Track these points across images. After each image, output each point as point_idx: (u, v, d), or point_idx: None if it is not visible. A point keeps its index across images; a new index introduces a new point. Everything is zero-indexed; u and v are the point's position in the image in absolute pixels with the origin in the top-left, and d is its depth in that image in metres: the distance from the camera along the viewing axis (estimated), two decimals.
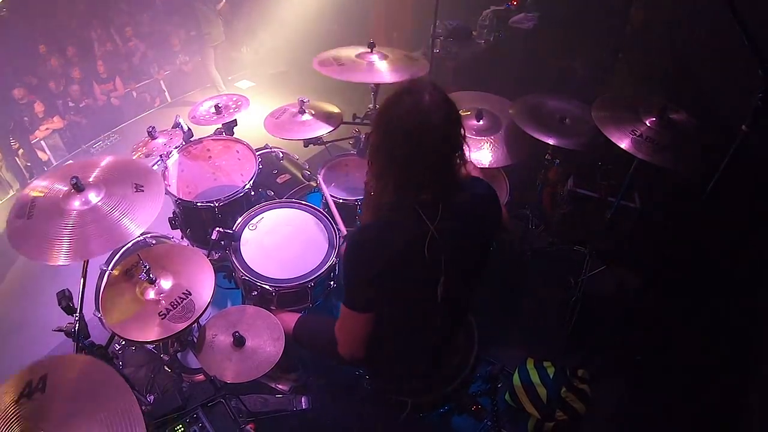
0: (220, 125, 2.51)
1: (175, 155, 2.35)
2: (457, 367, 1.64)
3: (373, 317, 1.33)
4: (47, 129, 4.89)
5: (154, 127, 2.37)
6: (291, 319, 1.87)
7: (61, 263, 1.41)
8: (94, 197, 1.55)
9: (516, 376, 2.22)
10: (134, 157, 2.20)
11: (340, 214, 2.25)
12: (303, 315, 1.89)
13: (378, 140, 1.22)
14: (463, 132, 1.22)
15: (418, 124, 1.15)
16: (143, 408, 1.23)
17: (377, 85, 2.46)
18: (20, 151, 4.74)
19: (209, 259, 1.84)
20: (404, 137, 1.16)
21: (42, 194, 1.55)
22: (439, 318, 1.42)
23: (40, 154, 4.92)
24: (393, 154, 1.19)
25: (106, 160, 1.72)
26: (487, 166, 2.29)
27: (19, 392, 1.15)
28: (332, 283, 2.07)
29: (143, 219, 1.54)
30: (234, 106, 2.53)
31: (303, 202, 2.23)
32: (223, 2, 5.18)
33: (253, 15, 5.81)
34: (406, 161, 1.18)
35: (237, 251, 2.02)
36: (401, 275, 1.26)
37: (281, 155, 2.74)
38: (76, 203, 1.53)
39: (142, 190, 1.60)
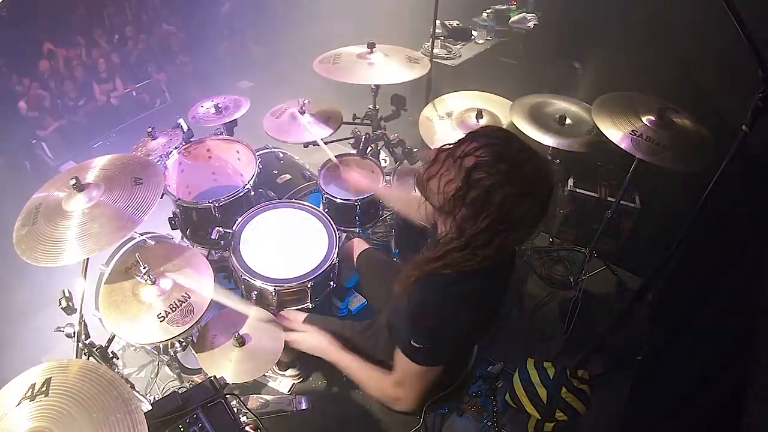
0: (220, 125, 2.51)
1: (174, 155, 2.35)
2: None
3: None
4: (49, 129, 4.89)
5: (154, 128, 2.37)
6: (296, 319, 1.86)
7: (70, 263, 1.41)
8: (95, 195, 1.56)
9: (516, 377, 2.22)
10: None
11: (340, 214, 2.25)
12: (309, 315, 1.89)
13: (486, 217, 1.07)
14: None
15: (547, 186, 1.08)
16: (144, 408, 1.23)
17: (377, 85, 2.47)
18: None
19: (209, 260, 1.84)
20: (539, 201, 1.08)
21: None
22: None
23: (39, 153, 4.91)
24: (516, 216, 1.07)
25: (103, 159, 1.72)
26: None
27: (22, 395, 1.16)
28: (332, 282, 2.07)
29: (145, 208, 1.54)
30: (234, 106, 2.53)
31: (303, 203, 2.23)
32: (227, 5, 5.18)
33: (254, 15, 5.81)
34: (534, 221, 1.09)
35: (237, 251, 2.02)
36: (483, 326, 1.25)
37: (281, 155, 2.74)
38: (78, 203, 1.53)
39: (141, 183, 1.60)
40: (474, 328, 1.19)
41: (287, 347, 1.75)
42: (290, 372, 2.23)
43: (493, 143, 1.07)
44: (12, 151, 4.38)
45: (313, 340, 1.63)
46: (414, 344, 1.16)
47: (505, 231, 1.07)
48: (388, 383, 1.31)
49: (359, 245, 2.10)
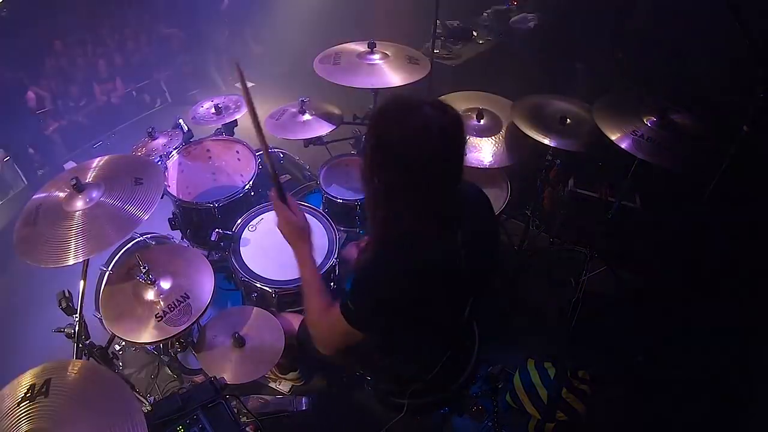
0: (220, 126, 2.50)
1: (174, 156, 2.35)
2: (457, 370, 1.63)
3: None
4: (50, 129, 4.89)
5: (154, 128, 2.37)
6: (295, 321, 1.86)
7: (71, 263, 1.42)
8: (95, 195, 1.56)
9: (517, 377, 2.22)
10: None
11: (340, 214, 2.25)
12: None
13: (385, 172, 1.11)
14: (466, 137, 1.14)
15: (432, 148, 1.05)
16: (144, 409, 1.22)
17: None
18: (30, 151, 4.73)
19: (209, 260, 1.84)
20: (421, 164, 1.06)
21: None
22: (458, 332, 1.43)
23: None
24: (408, 183, 1.09)
25: (102, 159, 1.72)
26: (487, 166, 2.29)
27: (21, 395, 1.16)
28: (332, 284, 2.06)
29: (145, 208, 1.55)
30: (234, 106, 2.53)
31: (303, 203, 2.23)
32: (226, 2, 5.17)
33: (255, 15, 5.81)
34: (428, 189, 1.10)
35: (236, 252, 2.01)
36: (427, 300, 1.21)
37: (281, 156, 2.74)
38: (79, 203, 1.53)
39: (141, 183, 1.60)
40: (402, 300, 1.18)
41: (287, 350, 1.75)
42: (291, 375, 2.22)
43: (371, 122, 1.17)
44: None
45: (298, 239, 1.43)
46: (348, 304, 1.21)
47: (405, 199, 1.12)
48: (316, 320, 1.35)
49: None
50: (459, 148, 1.11)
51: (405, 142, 1.06)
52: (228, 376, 1.67)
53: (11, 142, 4.24)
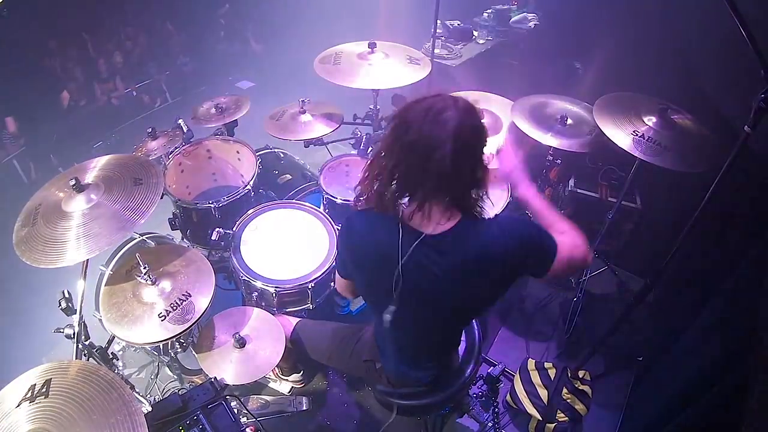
0: (220, 126, 2.50)
1: (174, 156, 2.34)
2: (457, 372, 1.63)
3: (352, 284, 1.44)
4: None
5: (154, 128, 2.37)
6: (289, 324, 1.86)
7: (70, 263, 1.41)
8: (95, 195, 1.55)
9: (517, 377, 2.22)
10: None
11: (340, 215, 2.25)
12: (301, 320, 1.88)
13: (389, 137, 1.15)
14: (481, 159, 1.13)
15: (428, 137, 1.08)
16: (144, 410, 1.22)
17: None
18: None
19: (209, 260, 1.84)
20: (412, 147, 1.10)
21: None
22: (396, 336, 1.39)
23: None
24: (399, 157, 1.13)
25: (103, 159, 1.71)
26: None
27: (22, 396, 1.16)
28: (332, 284, 2.06)
29: (145, 208, 1.54)
30: (234, 106, 2.53)
31: (303, 203, 2.23)
32: (227, 6, 5.17)
33: (255, 16, 5.81)
34: (408, 170, 1.13)
35: (237, 252, 2.01)
36: (365, 273, 1.32)
37: (282, 156, 2.74)
38: (78, 203, 1.53)
39: (141, 183, 1.60)
40: (350, 259, 1.32)
41: (287, 352, 1.75)
42: (294, 377, 2.22)
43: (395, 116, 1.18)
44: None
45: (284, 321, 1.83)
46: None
47: (392, 168, 1.14)
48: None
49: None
50: (455, 151, 1.07)
51: (418, 125, 1.10)
52: (228, 377, 1.67)
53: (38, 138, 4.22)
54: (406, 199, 1.18)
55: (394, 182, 1.16)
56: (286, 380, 2.23)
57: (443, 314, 1.30)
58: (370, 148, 2.54)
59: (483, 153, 1.14)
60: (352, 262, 1.32)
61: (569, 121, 2.33)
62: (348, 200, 2.23)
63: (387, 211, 1.19)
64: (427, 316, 1.30)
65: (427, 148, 1.08)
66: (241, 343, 1.76)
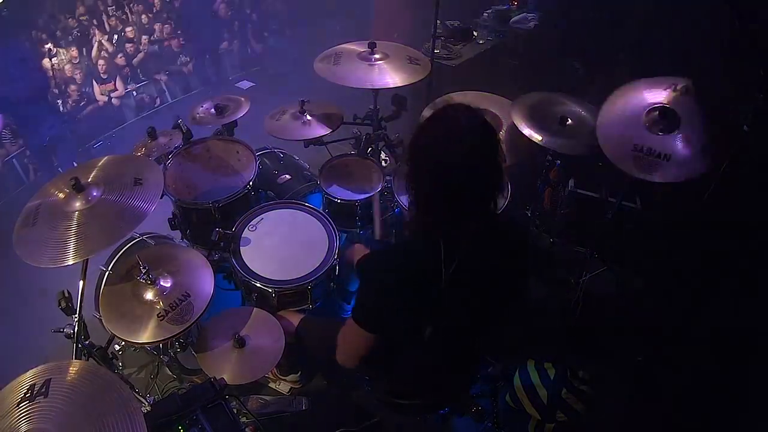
0: (220, 126, 2.50)
1: (174, 155, 2.34)
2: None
3: (377, 338, 1.28)
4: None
5: (154, 128, 2.37)
6: (295, 318, 1.86)
7: (69, 264, 1.41)
8: (95, 195, 1.55)
9: (516, 378, 2.21)
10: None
11: (340, 215, 2.25)
12: (307, 315, 1.89)
13: (410, 171, 1.15)
14: (501, 163, 1.12)
15: (445, 156, 1.07)
16: (143, 409, 1.22)
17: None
18: (28, 153, 4.73)
19: (209, 260, 1.84)
20: (431, 170, 1.10)
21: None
22: (431, 357, 1.37)
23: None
24: (421, 186, 1.14)
25: (103, 159, 1.72)
26: None
27: (21, 395, 1.15)
28: (332, 284, 2.06)
29: (145, 208, 1.54)
30: (234, 106, 2.53)
31: (303, 203, 2.23)
32: (223, 5, 5.17)
33: (254, 15, 5.81)
34: (433, 195, 1.13)
35: (236, 252, 2.01)
36: (400, 303, 1.22)
37: (282, 156, 2.74)
38: (78, 203, 1.53)
39: (141, 183, 1.60)
40: (385, 298, 1.21)
41: (287, 350, 1.75)
42: (292, 377, 2.22)
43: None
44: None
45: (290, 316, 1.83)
46: (357, 300, 1.28)
47: (420, 199, 1.16)
48: (341, 332, 1.39)
49: (359, 251, 2.05)
50: (474, 163, 1.08)
51: (428, 146, 1.11)
52: (228, 377, 1.67)
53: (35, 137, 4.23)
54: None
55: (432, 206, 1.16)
56: (284, 380, 2.23)
57: (483, 327, 1.35)
58: (369, 149, 2.55)
59: (501, 155, 1.13)
60: (389, 305, 1.22)
61: (569, 122, 2.32)
62: (348, 200, 2.23)
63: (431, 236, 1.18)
64: (463, 336, 1.35)
65: (449, 170, 1.08)
66: (241, 343, 1.76)
